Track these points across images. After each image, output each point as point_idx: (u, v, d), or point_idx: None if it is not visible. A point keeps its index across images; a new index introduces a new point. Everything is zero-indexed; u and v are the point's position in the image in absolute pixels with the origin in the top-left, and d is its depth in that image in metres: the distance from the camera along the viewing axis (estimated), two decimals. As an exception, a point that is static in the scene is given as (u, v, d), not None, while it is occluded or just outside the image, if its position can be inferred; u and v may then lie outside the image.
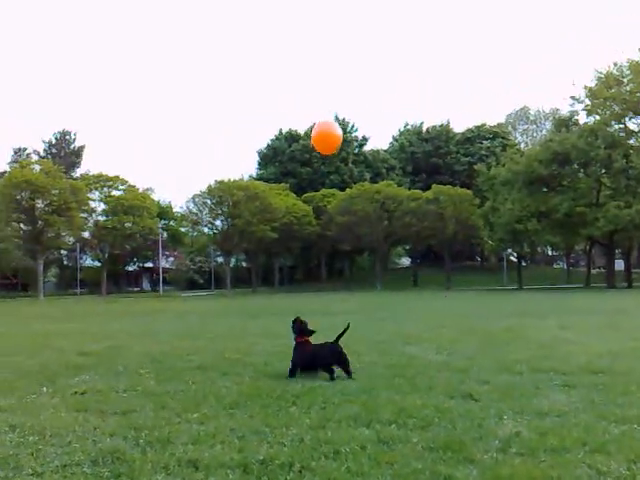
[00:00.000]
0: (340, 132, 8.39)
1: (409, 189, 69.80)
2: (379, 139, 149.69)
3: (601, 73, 53.70)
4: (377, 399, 5.70)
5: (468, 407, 5.33)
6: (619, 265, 60.37)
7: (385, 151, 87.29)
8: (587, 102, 55.17)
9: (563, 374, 6.95)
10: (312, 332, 7.47)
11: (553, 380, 6.60)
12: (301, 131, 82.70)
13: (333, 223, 63.39)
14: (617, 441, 4.19)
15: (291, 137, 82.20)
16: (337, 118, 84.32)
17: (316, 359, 7.20)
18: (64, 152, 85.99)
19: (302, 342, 7.37)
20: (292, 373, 7.17)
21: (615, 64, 53.35)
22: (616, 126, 54.61)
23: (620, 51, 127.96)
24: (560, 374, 6.95)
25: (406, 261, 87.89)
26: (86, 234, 63.22)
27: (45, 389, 6.62)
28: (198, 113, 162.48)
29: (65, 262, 75.21)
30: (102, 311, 28.26)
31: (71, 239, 62.87)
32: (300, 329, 7.44)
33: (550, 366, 7.48)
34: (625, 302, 26.16)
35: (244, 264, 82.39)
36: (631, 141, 54.41)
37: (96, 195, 63.46)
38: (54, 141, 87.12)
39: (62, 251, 69.98)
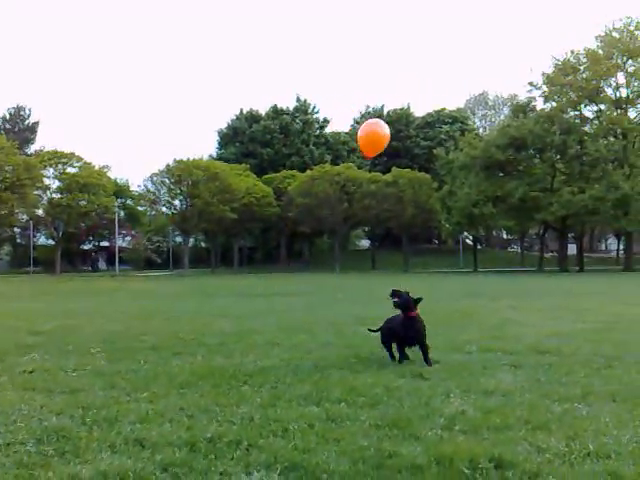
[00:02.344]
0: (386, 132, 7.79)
1: (369, 172, 69.95)
2: (340, 121, 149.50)
3: (558, 60, 54.51)
4: (329, 378, 5.75)
5: (417, 386, 5.42)
6: (572, 249, 61.78)
7: (346, 133, 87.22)
8: (544, 88, 55.97)
9: (511, 354, 7.12)
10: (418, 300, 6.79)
11: (501, 360, 6.75)
12: (262, 111, 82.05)
13: (293, 205, 63.24)
14: (558, 419, 4.31)
15: (252, 117, 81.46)
16: (299, 99, 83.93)
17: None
18: (18, 128, 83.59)
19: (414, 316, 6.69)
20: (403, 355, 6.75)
21: (572, 52, 54.24)
22: (572, 113, 55.64)
23: (577, 38, 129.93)
24: (508, 354, 7.12)
25: (365, 243, 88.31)
26: (40, 212, 61.87)
27: (-8, 368, 6.49)
28: (158, 90, 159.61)
29: (18, 240, 73.41)
30: (55, 290, 27.75)
31: (24, 217, 61.48)
32: (408, 301, 6.72)
33: (499, 346, 7.65)
34: (576, 285, 26.84)
35: (203, 244, 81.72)
36: (586, 128, 55.47)
37: (50, 172, 62.03)
38: (8, 116, 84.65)
39: (15, 229, 68.31)
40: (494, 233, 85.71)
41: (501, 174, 56.18)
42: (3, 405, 4.79)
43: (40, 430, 4.09)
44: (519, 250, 79.85)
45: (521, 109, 58.73)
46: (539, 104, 57.94)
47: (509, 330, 9.57)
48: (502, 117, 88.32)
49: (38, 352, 7.56)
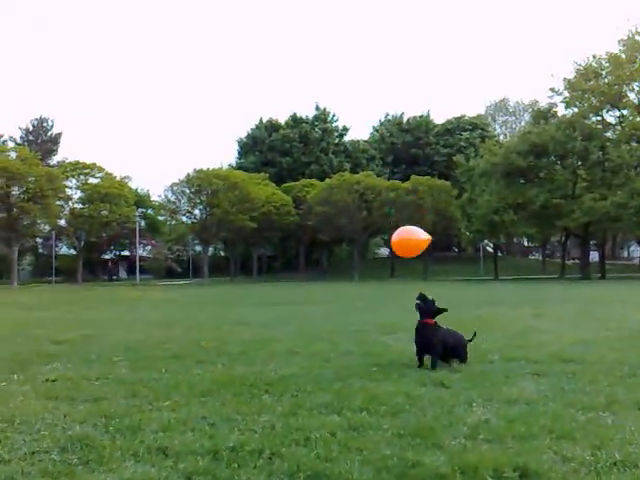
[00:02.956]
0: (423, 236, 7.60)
1: (388, 180, 69.80)
2: (359, 129, 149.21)
3: (580, 65, 54.03)
4: (350, 387, 5.73)
5: (439, 394, 5.38)
6: (594, 256, 61.10)
7: (365, 141, 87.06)
8: (566, 94, 55.51)
9: (534, 363, 7.03)
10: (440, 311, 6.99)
11: (524, 368, 6.68)
12: (281, 120, 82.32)
13: (312, 213, 63.22)
14: (583, 428, 4.25)
15: (271, 126, 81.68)
16: (318, 108, 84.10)
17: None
18: (41, 139, 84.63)
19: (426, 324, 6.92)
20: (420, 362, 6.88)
21: (594, 56, 53.72)
22: (594, 118, 55.08)
23: (599, 43, 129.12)
24: (531, 363, 7.04)
25: (385, 251, 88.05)
26: (62, 222, 62.50)
27: (16, 377, 6.55)
28: (177, 101, 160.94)
29: (40, 250, 74.31)
30: (77, 299, 27.98)
31: (47, 227, 62.20)
32: (429, 308, 6.97)
33: (522, 355, 7.57)
34: (598, 292, 26.51)
35: (222, 253, 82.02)
36: (608, 134, 54.86)
37: (72, 183, 62.75)
38: (31, 128, 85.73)
39: (37, 239, 69.14)
40: (515, 241, 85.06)
41: (522, 181, 55.70)
42: (27, 414, 4.83)
43: (64, 439, 4.12)
44: (540, 258, 79.20)
45: (542, 115, 58.27)
46: (560, 110, 57.51)
47: (531, 338, 9.48)
48: (523, 123, 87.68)
49: (60, 361, 7.62)
